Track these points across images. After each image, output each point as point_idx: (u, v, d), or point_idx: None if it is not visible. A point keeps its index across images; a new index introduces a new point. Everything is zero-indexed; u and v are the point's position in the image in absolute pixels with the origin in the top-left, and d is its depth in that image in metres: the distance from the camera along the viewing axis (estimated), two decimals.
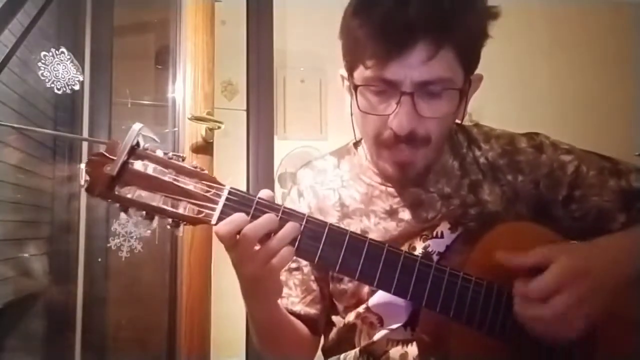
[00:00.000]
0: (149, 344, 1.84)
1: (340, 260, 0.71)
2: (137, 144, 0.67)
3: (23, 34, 1.00)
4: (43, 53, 1.38)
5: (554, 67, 2.30)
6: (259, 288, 0.75)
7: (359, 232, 0.87)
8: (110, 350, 1.81)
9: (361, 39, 0.75)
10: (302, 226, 0.70)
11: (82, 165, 0.67)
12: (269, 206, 0.69)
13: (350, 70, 0.80)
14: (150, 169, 0.67)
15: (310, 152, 2.01)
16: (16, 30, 1.01)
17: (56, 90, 1.42)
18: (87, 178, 0.66)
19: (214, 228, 0.67)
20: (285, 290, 0.92)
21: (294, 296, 0.92)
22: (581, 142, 0.89)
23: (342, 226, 0.88)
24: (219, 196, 0.68)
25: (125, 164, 0.66)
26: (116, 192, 0.66)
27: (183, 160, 0.69)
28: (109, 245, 1.55)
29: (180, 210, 0.67)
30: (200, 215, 0.67)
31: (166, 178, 0.67)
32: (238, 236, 0.67)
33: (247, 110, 1.91)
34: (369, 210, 0.88)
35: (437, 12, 0.71)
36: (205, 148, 1.59)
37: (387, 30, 0.72)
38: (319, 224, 0.71)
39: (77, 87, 1.46)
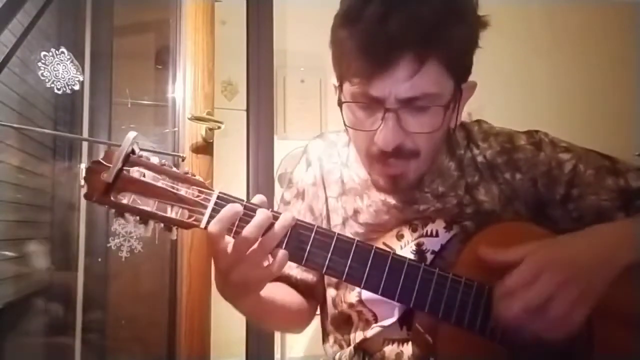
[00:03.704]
0: (149, 344, 1.84)
1: (327, 262, 0.71)
2: (133, 151, 0.70)
3: (23, 34, 1.00)
4: (43, 53, 1.38)
5: (554, 67, 2.30)
6: (242, 290, 0.74)
7: (352, 210, 0.90)
8: (110, 350, 1.81)
9: (347, 52, 0.74)
10: (289, 229, 0.70)
11: (82, 166, 0.67)
12: (256, 209, 0.70)
13: (340, 82, 0.79)
14: (144, 175, 0.70)
15: None
16: (16, 30, 1.01)
17: (56, 90, 1.41)
18: (85, 185, 0.70)
19: (207, 230, 0.68)
20: None
21: None
22: (581, 143, 0.88)
23: (340, 201, 0.91)
24: (208, 200, 0.70)
25: (120, 171, 0.69)
26: (112, 198, 0.69)
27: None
28: (109, 245, 1.55)
29: (172, 215, 0.69)
30: (190, 220, 0.69)
31: (159, 184, 0.70)
32: (230, 244, 0.67)
33: (247, 110, 1.91)
34: (364, 193, 0.90)
35: (418, 26, 0.69)
36: (205, 148, 1.59)
37: (370, 47, 0.71)
38: (306, 227, 0.72)
39: (77, 87, 1.45)
